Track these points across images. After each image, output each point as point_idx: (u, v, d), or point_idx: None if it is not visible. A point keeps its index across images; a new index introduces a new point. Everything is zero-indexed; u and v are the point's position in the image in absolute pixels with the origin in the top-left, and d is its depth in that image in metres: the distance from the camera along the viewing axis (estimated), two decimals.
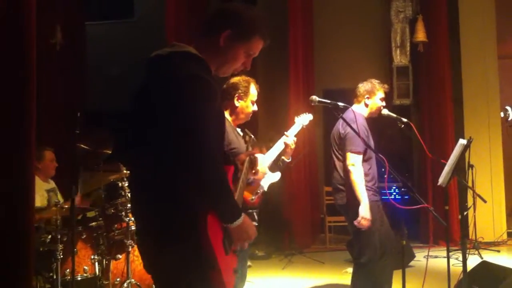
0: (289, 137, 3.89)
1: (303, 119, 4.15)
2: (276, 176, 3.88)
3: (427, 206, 3.40)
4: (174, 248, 2.08)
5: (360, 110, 4.40)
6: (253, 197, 3.64)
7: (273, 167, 3.90)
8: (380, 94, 4.45)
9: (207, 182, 2.04)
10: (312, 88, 8.53)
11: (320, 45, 9.02)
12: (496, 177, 8.24)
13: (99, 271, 4.74)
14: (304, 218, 8.42)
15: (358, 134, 3.79)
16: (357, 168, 4.17)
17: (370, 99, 4.44)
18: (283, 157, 3.92)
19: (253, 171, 2.87)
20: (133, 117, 2.22)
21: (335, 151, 4.38)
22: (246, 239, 2.20)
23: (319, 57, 8.96)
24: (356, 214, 4.21)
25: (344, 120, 3.89)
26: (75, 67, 8.33)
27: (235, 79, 3.71)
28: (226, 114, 3.68)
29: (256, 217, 3.76)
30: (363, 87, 4.47)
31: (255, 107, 3.77)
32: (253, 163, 2.79)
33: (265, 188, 3.79)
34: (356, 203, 4.15)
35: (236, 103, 3.69)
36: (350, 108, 4.12)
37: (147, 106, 2.16)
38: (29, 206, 3.04)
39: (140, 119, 2.18)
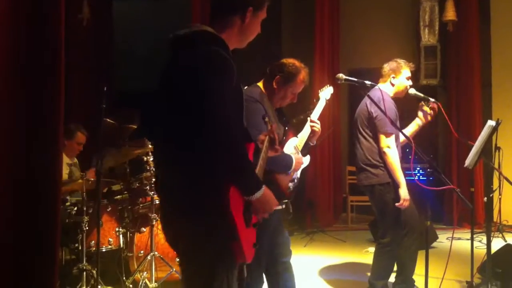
0: (317, 124, 3.65)
1: (326, 93, 3.88)
2: (306, 161, 3.71)
3: (454, 188, 3.37)
4: (197, 220, 2.16)
5: (386, 90, 4.33)
6: (291, 186, 3.53)
7: (302, 152, 3.74)
8: (406, 72, 4.38)
9: (226, 153, 2.10)
10: (337, 67, 8.45)
11: (347, 22, 8.91)
12: None
13: (123, 244, 4.83)
14: (327, 197, 8.43)
15: (385, 113, 3.75)
16: (392, 149, 4.14)
17: (396, 78, 4.37)
18: (309, 142, 3.72)
19: (274, 149, 2.85)
20: (158, 95, 2.32)
21: (361, 130, 4.31)
22: (267, 210, 2.28)
23: (345, 35, 8.86)
24: (381, 195, 4.21)
25: (371, 99, 3.85)
26: (101, 43, 8.36)
27: (287, 60, 3.48)
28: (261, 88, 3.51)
29: (290, 207, 3.72)
30: (388, 66, 4.40)
31: (293, 98, 3.54)
32: (272, 142, 2.79)
33: (298, 175, 3.65)
34: (381, 185, 4.16)
35: (274, 85, 3.45)
36: (377, 87, 4.06)
37: (169, 85, 2.27)
38: (56, 179, 3.09)
39: (164, 96, 2.28)
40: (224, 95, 2.13)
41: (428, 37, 8.62)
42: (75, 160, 5.59)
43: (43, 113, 2.97)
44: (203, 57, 2.19)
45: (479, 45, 8.25)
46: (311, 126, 3.65)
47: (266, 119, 2.89)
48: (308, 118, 3.70)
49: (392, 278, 4.49)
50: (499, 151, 6.96)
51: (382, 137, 4.16)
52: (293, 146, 3.58)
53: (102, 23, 8.37)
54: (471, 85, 8.20)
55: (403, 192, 4.11)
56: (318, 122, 3.68)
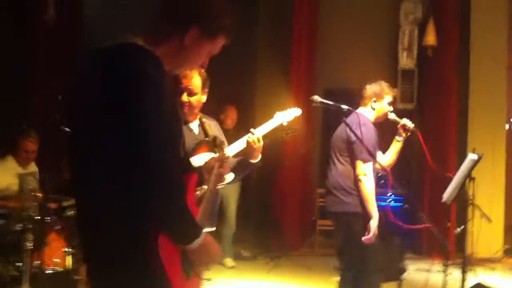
0: (254, 135, 3.20)
1: (287, 115, 3.43)
2: (228, 177, 3.10)
3: (432, 227, 3.12)
4: (121, 274, 1.76)
5: (367, 114, 4.09)
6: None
7: (235, 168, 3.26)
8: (388, 98, 4.13)
9: (161, 198, 1.71)
10: (313, 87, 8.21)
11: (324, 41, 8.69)
12: (497, 191, 7.97)
13: (72, 265, 4.47)
14: (294, 219, 8.16)
15: (361, 141, 3.50)
16: (369, 178, 3.88)
17: (377, 103, 4.11)
18: (249, 159, 3.24)
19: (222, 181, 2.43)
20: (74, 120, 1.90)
21: (337, 154, 4.06)
22: (208, 262, 1.90)
23: (322, 54, 8.64)
24: (350, 225, 3.96)
25: (348, 125, 3.61)
26: (68, 45, 7.91)
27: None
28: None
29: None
30: (370, 89, 4.13)
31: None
32: (220, 174, 2.34)
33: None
34: (352, 215, 3.90)
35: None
36: (354, 112, 3.83)
37: (88, 110, 1.82)
38: None
39: (84, 128, 1.83)
40: (153, 127, 1.72)
41: (406, 61, 8.47)
42: (33, 169, 5.17)
43: None
44: (123, 77, 1.76)
45: (457, 72, 8.14)
46: (248, 139, 3.19)
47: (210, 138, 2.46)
48: (251, 130, 3.23)
49: None
50: (473, 182, 6.79)
51: (359, 164, 3.90)
52: (204, 161, 3.08)
53: (70, 23, 7.91)
54: (447, 112, 8.09)
55: (374, 225, 3.84)
56: (258, 135, 3.21)
